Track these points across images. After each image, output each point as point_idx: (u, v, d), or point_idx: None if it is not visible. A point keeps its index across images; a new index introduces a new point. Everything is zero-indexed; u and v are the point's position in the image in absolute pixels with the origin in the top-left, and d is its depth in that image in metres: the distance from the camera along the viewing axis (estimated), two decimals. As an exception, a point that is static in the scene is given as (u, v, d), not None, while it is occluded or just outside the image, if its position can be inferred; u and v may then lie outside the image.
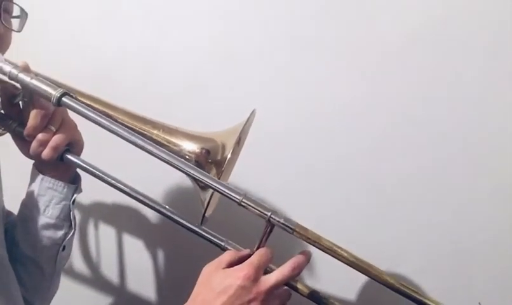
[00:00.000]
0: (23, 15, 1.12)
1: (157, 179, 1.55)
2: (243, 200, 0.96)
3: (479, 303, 1.25)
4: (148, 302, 1.81)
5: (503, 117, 1.42)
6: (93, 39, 1.61)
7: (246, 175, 1.42)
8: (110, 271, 1.82)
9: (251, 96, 1.53)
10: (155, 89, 1.59)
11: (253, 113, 1.12)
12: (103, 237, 1.78)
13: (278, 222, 0.96)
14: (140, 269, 1.78)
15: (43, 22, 1.59)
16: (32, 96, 1.02)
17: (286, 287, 1.00)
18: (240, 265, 0.96)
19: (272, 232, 0.98)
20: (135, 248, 1.76)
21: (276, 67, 1.52)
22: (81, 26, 1.61)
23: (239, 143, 1.13)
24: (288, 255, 0.99)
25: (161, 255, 1.76)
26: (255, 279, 0.93)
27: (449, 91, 1.43)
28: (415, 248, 1.54)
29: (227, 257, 0.99)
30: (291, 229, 0.96)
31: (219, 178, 1.04)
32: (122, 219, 1.74)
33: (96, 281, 1.82)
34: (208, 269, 0.98)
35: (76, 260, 1.80)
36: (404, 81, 1.45)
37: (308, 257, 0.99)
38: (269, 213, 0.96)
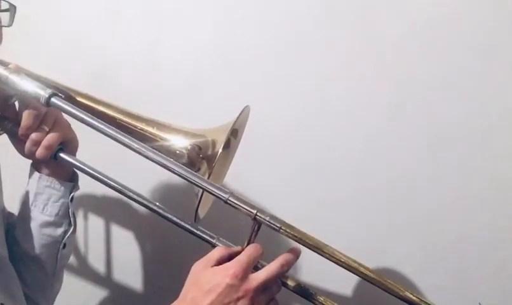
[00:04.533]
0: (12, 8, 1.11)
1: (150, 176, 1.55)
2: (229, 198, 0.96)
3: (479, 303, 1.23)
4: (135, 293, 1.80)
5: (502, 116, 1.39)
6: (92, 39, 1.61)
7: (243, 175, 1.41)
8: (97, 262, 1.80)
9: (250, 96, 1.50)
10: (156, 89, 1.59)
11: (246, 109, 1.12)
12: (92, 228, 1.76)
13: (264, 219, 0.96)
14: (128, 261, 1.77)
15: (43, 22, 1.61)
16: (24, 97, 1.03)
17: (278, 281, 0.99)
18: (229, 263, 0.95)
19: (263, 230, 0.98)
20: (124, 239, 1.75)
21: (275, 67, 1.50)
22: (81, 26, 1.61)
23: (235, 137, 1.13)
24: (280, 252, 0.98)
25: (149, 247, 1.75)
26: (243, 277, 0.93)
27: (448, 90, 1.40)
28: (414, 248, 1.51)
29: (216, 253, 0.98)
30: (277, 226, 0.96)
31: (210, 173, 1.04)
32: (111, 211, 1.73)
33: (84, 271, 1.81)
34: (197, 267, 0.98)
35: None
36: (402, 81, 1.42)
37: (297, 253, 0.99)
38: (254, 211, 0.96)
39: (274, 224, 0.96)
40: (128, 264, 1.77)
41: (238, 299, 0.92)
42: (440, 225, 1.48)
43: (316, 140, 1.52)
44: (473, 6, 1.35)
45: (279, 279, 0.99)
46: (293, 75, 1.50)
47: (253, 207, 0.96)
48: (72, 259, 1.76)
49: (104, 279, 1.81)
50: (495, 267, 1.47)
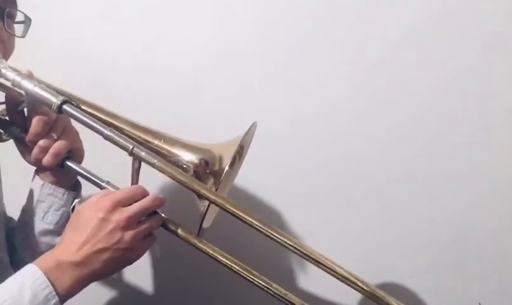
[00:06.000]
0: (27, 21, 1.12)
1: (156, 186, 1.54)
2: (109, 133, 0.99)
3: (479, 303, 1.24)
4: (145, 293, 1.79)
5: (503, 115, 1.41)
6: (92, 40, 1.60)
7: (247, 177, 1.41)
8: None
9: (250, 96, 1.52)
10: (156, 89, 1.58)
11: (253, 125, 1.11)
12: None
13: (139, 154, 0.98)
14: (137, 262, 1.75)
15: (44, 23, 1.57)
16: (35, 103, 1.02)
17: (157, 215, 1.01)
18: (101, 198, 0.96)
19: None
20: None
21: (275, 67, 1.51)
22: (81, 27, 1.60)
23: (240, 155, 1.12)
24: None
25: (157, 248, 1.74)
26: (113, 209, 0.93)
27: (448, 90, 1.42)
28: (414, 248, 1.53)
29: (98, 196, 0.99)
30: (151, 163, 0.98)
31: (217, 189, 1.03)
32: None
33: None
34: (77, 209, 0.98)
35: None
36: (403, 81, 1.44)
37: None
38: (131, 146, 0.98)
39: (148, 161, 0.98)
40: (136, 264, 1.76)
41: (111, 231, 0.92)
42: (440, 225, 1.50)
43: (316, 140, 1.53)
44: (473, 6, 1.36)
45: (159, 215, 1.01)
46: (293, 76, 1.51)
47: (129, 142, 0.99)
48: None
49: (112, 279, 1.80)
50: (495, 267, 1.49)
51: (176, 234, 1.01)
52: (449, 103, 1.43)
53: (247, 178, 1.44)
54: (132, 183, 1.01)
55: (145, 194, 0.99)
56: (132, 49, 1.59)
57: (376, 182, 1.52)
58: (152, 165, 0.98)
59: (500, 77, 1.39)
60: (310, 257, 0.95)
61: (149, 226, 0.98)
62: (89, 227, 0.92)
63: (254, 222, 0.95)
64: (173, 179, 0.98)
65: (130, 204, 0.96)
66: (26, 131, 1.06)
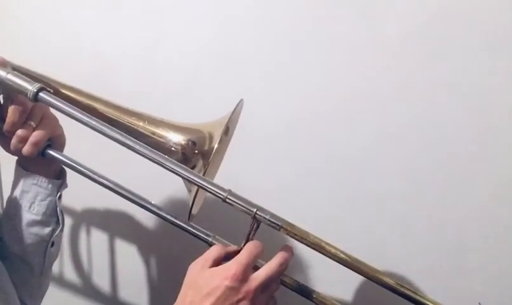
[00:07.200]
0: None
1: (143, 173, 1.51)
2: (228, 196, 0.92)
3: (479, 303, 1.20)
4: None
5: (503, 116, 1.36)
6: (92, 39, 1.58)
7: (246, 178, 1.38)
8: (102, 279, 1.77)
9: (251, 97, 1.46)
10: (155, 89, 1.56)
11: (240, 102, 1.08)
12: (95, 244, 1.73)
13: (264, 218, 0.92)
14: (133, 276, 1.74)
15: (44, 23, 1.58)
16: (9, 92, 0.98)
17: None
18: (228, 263, 0.91)
19: (260, 228, 0.94)
20: (128, 255, 1.72)
21: (275, 67, 1.47)
22: (81, 27, 1.58)
23: (226, 133, 1.09)
24: (275, 250, 0.95)
25: (153, 262, 1.72)
26: (244, 278, 0.89)
27: (448, 90, 1.38)
28: (414, 248, 1.49)
29: (213, 252, 0.93)
30: (277, 225, 0.92)
31: (206, 170, 0.99)
32: (114, 226, 1.69)
33: (88, 289, 1.78)
34: (194, 268, 0.93)
35: (67, 268, 1.77)
36: (403, 81, 1.40)
37: (292, 251, 0.95)
38: (254, 210, 0.92)
39: (274, 223, 0.92)
40: (134, 281, 1.75)
41: (238, 301, 0.88)
42: (440, 225, 1.46)
43: (316, 140, 1.50)
44: (474, 6, 1.33)
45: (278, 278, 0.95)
46: (294, 76, 1.47)
47: (252, 205, 0.93)
48: (75, 279, 1.76)
49: (110, 298, 1.78)
50: (495, 267, 1.45)
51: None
52: (449, 104, 1.39)
53: (246, 178, 1.41)
54: (248, 240, 0.96)
55: (263, 250, 0.95)
56: (132, 49, 1.57)
57: (376, 182, 1.49)
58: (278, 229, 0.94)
59: (500, 77, 1.35)
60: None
61: (273, 291, 0.95)
62: (215, 294, 0.88)
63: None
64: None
65: (253, 267, 0.93)
66: (3, 121, 1.02)
